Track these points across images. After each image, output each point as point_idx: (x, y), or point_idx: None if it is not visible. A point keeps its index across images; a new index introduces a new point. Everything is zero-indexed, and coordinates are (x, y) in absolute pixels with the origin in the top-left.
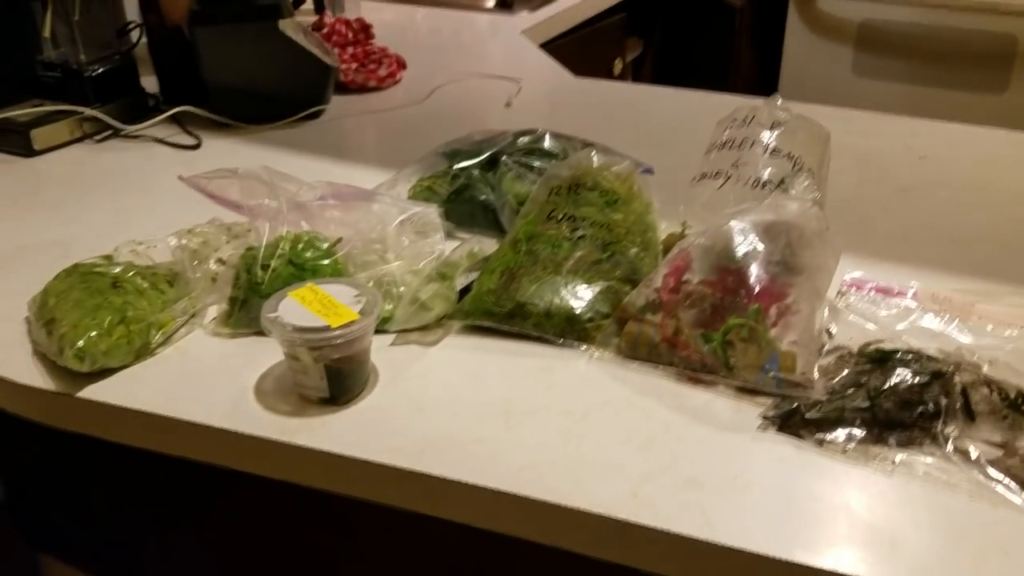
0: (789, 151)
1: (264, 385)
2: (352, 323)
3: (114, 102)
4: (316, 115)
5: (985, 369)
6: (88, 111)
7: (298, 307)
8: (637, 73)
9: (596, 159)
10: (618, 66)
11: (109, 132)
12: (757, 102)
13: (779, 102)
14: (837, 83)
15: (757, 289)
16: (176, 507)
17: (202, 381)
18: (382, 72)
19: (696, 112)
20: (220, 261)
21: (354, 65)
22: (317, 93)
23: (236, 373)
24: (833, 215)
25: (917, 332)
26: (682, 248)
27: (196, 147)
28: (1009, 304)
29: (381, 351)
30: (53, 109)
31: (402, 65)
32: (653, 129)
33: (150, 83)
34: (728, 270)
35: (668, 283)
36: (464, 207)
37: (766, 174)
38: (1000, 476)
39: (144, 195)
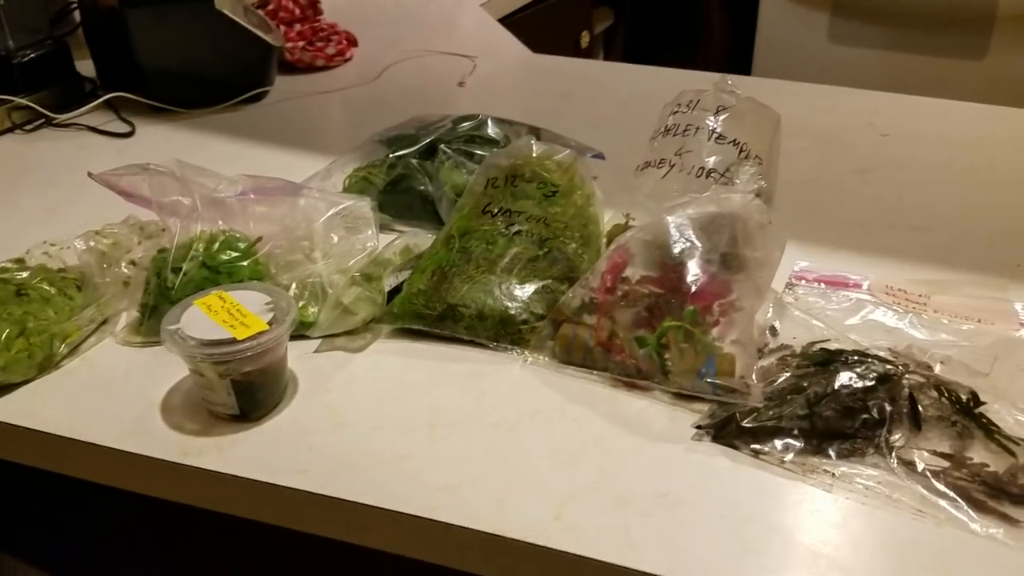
0: (735, 137)
1: (172, 400)
2: (260, 335)
3: (47, 89)
4: (259, 97)
5: (937, 369)
6: (17, 100)
7: (203, 317)
8: (609, 45)
9: (536, 147)
10: (585, 39)
11: (41, 121)
12: (705, 84)
13: (728, 83)
14: (813, 51)
15: (697, 287)
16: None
17: (107, 396)
18: (331, 50)
19: (658, 90)
20: (132, 264)
21: (301, 43)
22: (258, 74)
23: (144, 387)
24: (787, 200)
25: (868, 328)
26: (620, 244)
27: (129, 135)
28: (967, 295)
29: (303, 359)
30: None
31: (352, 42)
32: (611, 109)
33: (87, 67)
34: (668, 267)
35: (605, 282)
36: (401, 198)
37: (711, 162)
38: (946, 490)
39: (72, 189)
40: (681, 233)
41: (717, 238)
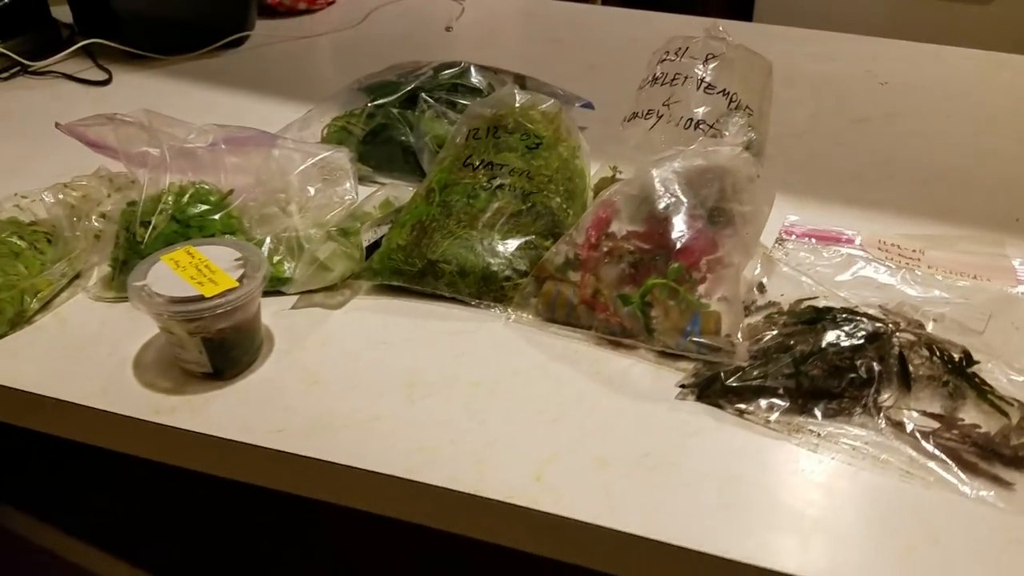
0: (724, 87)
1: (145, 357)
2: (229, 292)
3: (21, 36)
4: (239, 43)
5: (929, 327)
6: None
7: (170, 273)
8: None
9: (520, 97)
10: None
11: (16, 69)
12: (696, 30)
13: (720, 28)
14: None
15: (684, 242)
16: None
17: (79, 352)
18: None
19: (653, 37)
20: (103, 216)
21: None
22: (238, 19)
23: (116, 343)
24: (779, 152)
25: (859, 284)
26: (605, 199)
27: (106, 83)
28: (962, 251)
29: (280, 315)
30: None
31: None
32: (604, 56)
33: (64, 13)
34: (654, 222)
35: (589, 238)
36: (382, 149)
37: (699, 113)
38: (936, 452)
39: (45, 140)
40: (667, 187)
41: (704, 192)
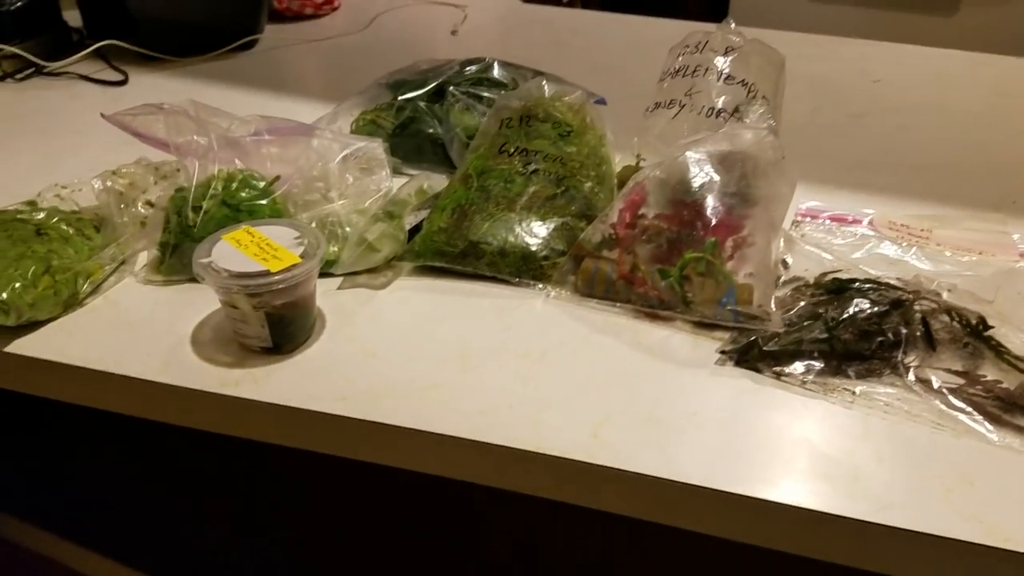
0: (743, 78)
1: (202, 335)
2: (294, 267)
3: (35, 38)
4: (249, 45)
5: (945, 296)
6: (7, 48)
7: (233, 251)
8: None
9: (547, 89)
10: None
11: (31, 70)
12: (710, 27)
13: (732, 26)
14: (789, 6)
15: (713, 222)
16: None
17: (135, 332)
18: None
19: (649, 39)
20: (149, 204)
21: None
22: (249, 22)
23: (171, 322)
24: (787, 143)
25: (874, 261)
26: (637, 182)
27: (123, 83)
28: (966, 229)
29: (327, 295)
30: None
31: None
32: (605, 57)
33: (73, 17)
34: (684, 203)
35: (624, 218)
36: (411, 141)
37: (720, 102)
38: (962, 405)
39: (70, 136)
40: (700, 168)
41: (731, 174)
